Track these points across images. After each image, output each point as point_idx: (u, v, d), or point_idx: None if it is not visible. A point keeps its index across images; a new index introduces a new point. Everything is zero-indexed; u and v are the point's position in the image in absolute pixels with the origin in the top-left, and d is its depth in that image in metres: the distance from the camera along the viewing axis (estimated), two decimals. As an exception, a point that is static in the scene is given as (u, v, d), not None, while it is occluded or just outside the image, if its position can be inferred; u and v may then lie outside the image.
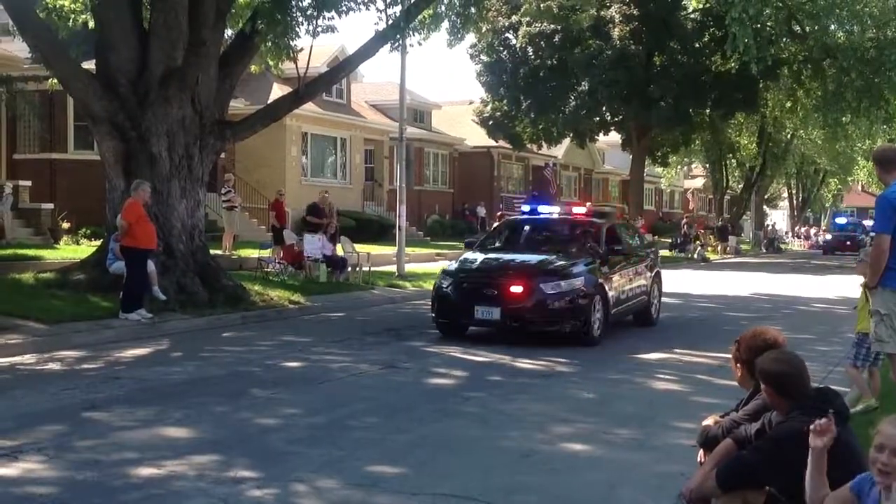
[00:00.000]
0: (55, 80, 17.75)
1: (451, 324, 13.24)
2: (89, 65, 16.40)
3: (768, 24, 30.75)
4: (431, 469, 6.54)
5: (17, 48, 23.29)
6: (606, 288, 13.13)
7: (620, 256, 14.23)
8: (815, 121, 42.66)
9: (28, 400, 8.60)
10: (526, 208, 16.46)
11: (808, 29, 33.11)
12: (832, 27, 33.05)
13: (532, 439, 7.44)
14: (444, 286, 13.09)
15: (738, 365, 4.96)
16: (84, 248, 20.49)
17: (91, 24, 17.00)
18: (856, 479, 3.80)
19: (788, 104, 42.67)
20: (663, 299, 16.48)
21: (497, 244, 15.05)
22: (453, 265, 13.84)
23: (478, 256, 13.95)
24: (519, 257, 13.79)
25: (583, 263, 13.11)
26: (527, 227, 15.60)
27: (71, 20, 17.78)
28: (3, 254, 18.13)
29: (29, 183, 23.65)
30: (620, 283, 13.91)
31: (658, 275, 15.91)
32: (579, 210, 16.02)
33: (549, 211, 16.05)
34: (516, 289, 12.46)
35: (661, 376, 10.56)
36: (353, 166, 37.77)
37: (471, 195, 46.39)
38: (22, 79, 22.72)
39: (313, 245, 20.27)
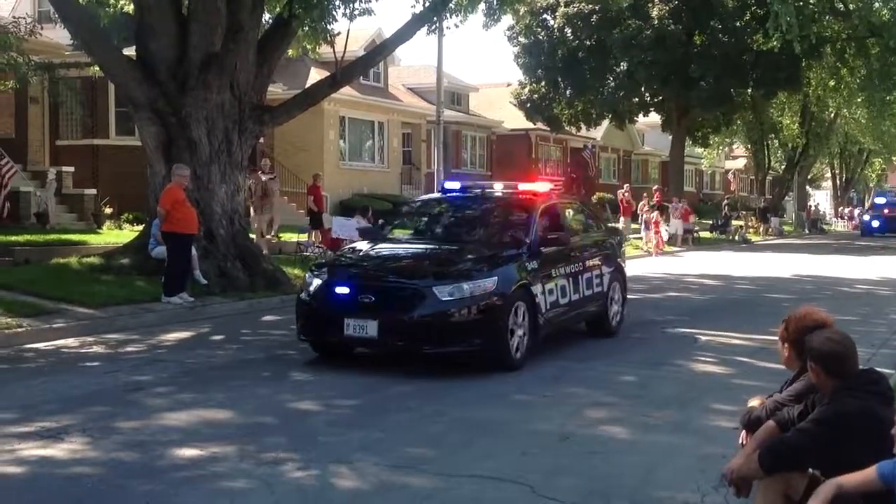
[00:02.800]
0: (97, 67, 17.94)
1: (319, 342, 10.03)
2: (130, 51, 16.56)
3: (811, 1, 30.26)
4: (470, 451, 6.55)
5: (60, 35, 23.57)
6: (535, 290, 10.01)
7: (561, 247, 10.93)
8: (860, 100, 41.97)
9: (73, 382, 8.73)
10: (452, 185, 12.55)
11: (851, 6, 32.54)
12: (876, 4, 32.46)
13: (570, 422, 7.42)
14: (309, 289, 9.90)
15: (786, 345, 4.90)
16: (126, 233, 20.75)
17: (131, 10, 17.15)
18: (885, 464, 3.76)
19: (832, 83, 41.97)
20: (706, 281, 16.00)
21: (403, 229, 12.25)
22: (337, 260, 11.00)
23: (362, 248, 11.08)
24: (414, 250, 10.75)
25: (500, 259, 9.99)
26: (441, 211, 12.29)
27: (111, 7, 17.95)
28: (47, 239, 18.40)
29: (72, 169, 23.96)
30: (560, 283, 10.66)
31: (620, 270, 12.60)
32: (532, 187, 12.21)
33: (475, 188, 12.49)
34: (402, 295, 9.33)
35: (702, 358, 10.47)
36: (390, 150, 37.79)
37: (509, 178, 46.14)
38: (64, 66, 23.00)
39: (343, 227, 20.11)
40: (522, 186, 12.13)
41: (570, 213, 12.61)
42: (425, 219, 12.31)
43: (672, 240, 33.21)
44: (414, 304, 9.22)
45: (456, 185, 12.48)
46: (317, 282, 9.82)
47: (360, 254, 10.72)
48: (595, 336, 11.75)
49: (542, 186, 12.22)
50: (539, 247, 10.45)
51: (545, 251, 10.51)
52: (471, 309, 9.27)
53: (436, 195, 13.40)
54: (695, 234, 35.96)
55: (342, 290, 9.52)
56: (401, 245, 11.12)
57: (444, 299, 9.19)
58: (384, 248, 10.87)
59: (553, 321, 10.51)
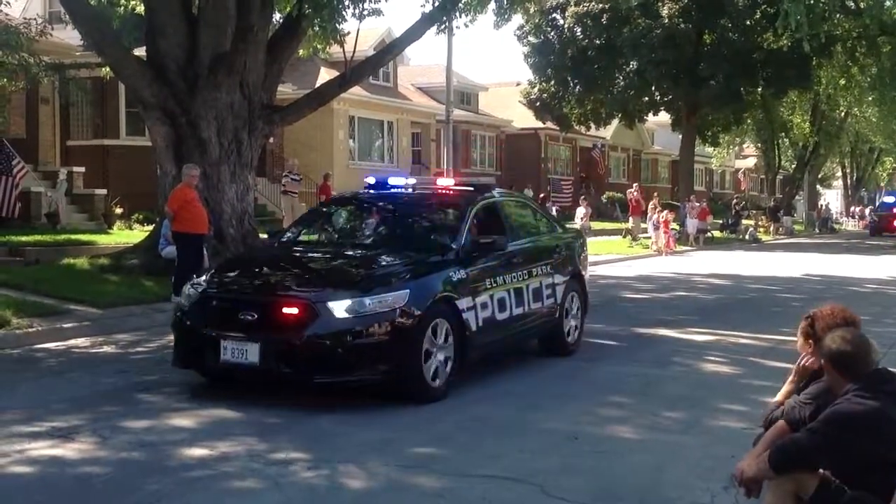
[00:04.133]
0: (107, 68, 18.00)
1: (198, 370, 8.37)
2: (140, 52, 16.61)
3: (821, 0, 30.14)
4: (479, 451, 6.55)
5: (70, 36, 23.65)
6: (463, 304, 8.44)
7: (499, 252, 9.28)
8: (871, 98, 41.83)
9: (83, 382, 8.77)
10: (371, 180, 10.84)
11: (862, 5, 32.40)
12: (888, 3, 32.34)
13: (580, 422, 7.41)
14: (186, 303, 8.36)
15: (810, 341, 4.87)
16: (137, 233, 20.81)
17: (141, 10, 17.21)
18: None
19: (842, 81, 41.85)
20: (716, 281, 15.83)
21: (309, 234, 10.35)
22: (220, 269, 9.20)
23: (258, 253, 9.93)
24: (316, 255, 9.39)
25: (416, 267, 8.40)
26: (360, 211, 10.65)
27: (121, 7, 18.01)
28: (57, 239, 18.46)
29: (82, 169, 24.05)
30: (498, 296, 9.07)
31: (578, 278, 10.92)
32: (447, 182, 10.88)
33: (403, 184, 10.69)
34: (289, 310, 7.73)
35: (710, 358, 10.44)
36: (400, 149, 37.82)
37: (518, 177, 46.24)
38: (75, 66, 23.07)
39: None
40: (446, 182, 10.79)
41: (515, 212, 10.65)
42: (341, 219, 10.61)
43: (685, 238, 33.23)
44: (304, 322, 7.61)
45: (383, 180, 10.79)
46: (195, 294, 8.26)
47: (252, 260, 9.32)
48: (549, 355, 10.24)
49: (480, 182, 10.72)
50: (470, 252, 8.87)
51: (477, 257, 8.93)
52: (375, 328, 7.67)
53: (358, 192, 11.64)
54: (708, 234, 35.98)
55: (222, 304, 8.02)
56: (303, 250, 9.64)
57: (340, 316, 7.61)
58: (282, 253, 9.48)
59: (488, 340, 8.90)
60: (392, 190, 10.51)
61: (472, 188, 10.36)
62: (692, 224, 33.88)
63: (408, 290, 7.94)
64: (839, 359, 4.34)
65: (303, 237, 10.12)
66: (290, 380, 7.87)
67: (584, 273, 11.27)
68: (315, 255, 9.41)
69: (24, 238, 17.90)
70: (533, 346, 10.43)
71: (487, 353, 9.16)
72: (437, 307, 8.19)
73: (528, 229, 10.63)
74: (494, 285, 9.07)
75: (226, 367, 7.83)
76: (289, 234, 10.23)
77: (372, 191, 10.64)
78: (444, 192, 10.42)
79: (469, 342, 8.50)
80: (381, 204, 10.32)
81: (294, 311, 7.71)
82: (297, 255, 9.45)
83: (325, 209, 11.45)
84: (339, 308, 7.65)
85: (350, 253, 9.20)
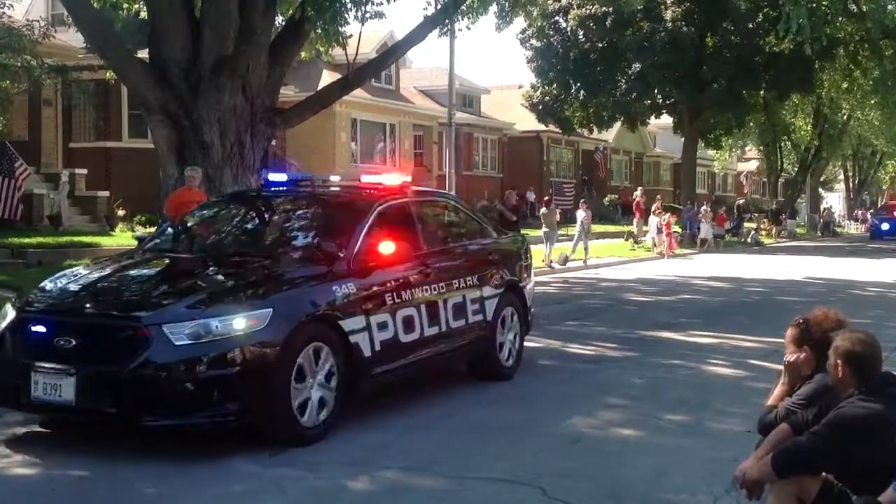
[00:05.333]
0: (110, 70, 18.02)
1: (12, 404, 6.76)
2: (143, 54, 16.62)
3: (823, 3, 30.16)
4: (481, 454, 6.54)
5: (73, 38, 23.66)
6: (350, 325, 7.02)
7: (407, 263, 7.89)
8: (873, 101, 41.83)
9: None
10: (278, 177, 9.40)
11: (864, 8, 32.42)
12: (890, 6, 32.36)
13: (582, 425, 7.42)
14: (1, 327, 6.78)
15: (805, 346, 4.88)
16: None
17: (144, 13, 17.22)
18: None
19: (845, 85, 41.86)
20: (718, 284, 15.75)
21: (179, 239, 8.67)
22: (48, 284, 7.38)
23: (102, 265, 7.97)
24: (165, 268, 7.91)
25: (286, 281, 7.01)
26: (244, 212, 9.08)
27: (124, 10, 18.03)
28: (60, 241, 18.48)
29: (85, 171, 24.08)
30: (403, 314, 7.63)
31: (516, 291, 9.53)
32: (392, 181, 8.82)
33: (309, 182, 9.40)
34: (114, 336, 6.40)
35: (713, 361, 10.44)
36: (402, 152, 37.84)
37: (520, 180, 46.26)
38: (77, 68, 23.11)
39: None
40: (366, 179, 9.33)
41: (434, 215, 9.28)
42: (224, 221, 8.93)
43: (700, 243, 33.82)
44: (133, 349, 6.18)
45: (282, 176, 9.44)
46: (11, 315, 6.78)
47: (86, 274, 7.51)
48: (482, 379, 8.96)
49: (391, 179, 8.83)
50: (365, 262, 7.38)
51: (375, 268, 7.46)
52: (225, 357, 6.23)
53: (247, 190, 10.34)
54: (725, 238, 36.19)
55: (37, 327, 6.52)
56: (161, 258, 8.14)
57: (180, 343, 6.15)
58: (133, 263, 7.90)
59: (390, 367, 7.47)
60: (289, 188, 9.03)
61: (377, 188, 8.71)
62: (707, 229, 34.31)
63: (270, 309, 6.46)
64: (856, 359, 4.35)
65: (168, 243, 8.59)
66: (114, 423, 6.42)
67: (525, 284, 9.86)
68: (172, 265, 7.92)
69: (25, 240, 17.91)
70: (461, 369, 9.08)
71: (393, 381, 7.78)
72: (313, 329, 6.78)
73: (451, 234, 9.24)
74: (399, 301, 7.60)
75: (37, 404, 6.36)
76: (156, 240, 8.77)
77: (271, 189, 9.14)
78: (345, 192, 8.95)
79: (360, 370, 7.08)
80: (272, 203, 8.85)
81: (120, 335, 6.32)
82: (149, 265, 7.90)
83: (209, 210, 9.37)
84: (178, 332, 6.16)
85: (212, 263, 7.63)
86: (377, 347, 7.28)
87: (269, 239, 8.29)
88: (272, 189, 9.14)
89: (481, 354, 8.94)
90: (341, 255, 7.41)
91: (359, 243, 7.52)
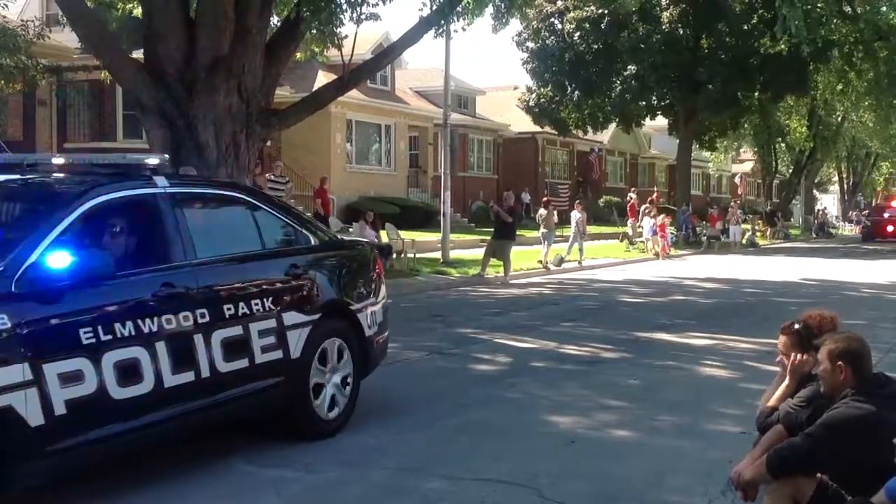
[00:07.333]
0: (105, 70, 18.02)
1: None
2: (138, 54, 16.61)
3: (818, 4, 30.22)
4: (478, 455, 6.55)
5: (68, 38, 23.65)
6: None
7: (148, 282, 5.74)
8: (867, 103, 41.93)
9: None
10: None
11: (859, 10, 32.50)
12: (884, 8, 32.43)
13: (578, 426, 7.42)
14: None
15: (801, 349, 4.90)
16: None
17: (139, 13, 17.21)
18: (893, 483, 3.81)
19: (839, 86, 41.91)
20: (713, 285, 15.75)
21: None
22: None
23: None
24: None
25: None
26: None
27: (119, 10, 18.02)
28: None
29: (80, 171, 24.02)
30: (118, 357, 5.35)
31: (346, 316, 7.25)
32: None
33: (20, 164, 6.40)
34: None
35: (708, 362, 10.45)
36: (397, 153, 37.85)
37: (515, 182, 46.29)
38: (72, 69, 23.10)
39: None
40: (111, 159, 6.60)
41: (203, 213, 6.72)
42: None
43: (733, 245, 35.44)
44: None
45: None
46: None
47: None
48: (291, 436, 6.78)
49: (133, 160, 6.47)
50: (49, 281, 5.10)
51: (65, 290, 5.18)
52: None
53: None
54: (720, 239, 36.62)
55: None
56: None
57: None
58: None
59: (83, 438, 5.18)
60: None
61: (98, 174, 6.27)
62: (734, 231, 36.38)
63: None
64: (857, 357, 4.38)
65: None
66: None
67: (363, 307, 7.42)
68: None
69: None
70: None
71: (102, 460, 5.54)
72: None
73: (235, 241, 6.76)
74: (113, 338, 5.33)
75: None
76: None
77: None
78: (47, 180, 6.26)
79: (22, 446, 4.84)
80: None
81: None
82: None
83: None
84: None
85: None
86: (60, 411, 4.98)
87: None
88: None
89: (283, 405, 6.62)
90: None
91: (37, 253, 5.14)
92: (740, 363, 10.37)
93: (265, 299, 6.44)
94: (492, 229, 21.52)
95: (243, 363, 6.19)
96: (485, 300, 17.06)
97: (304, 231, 7.36)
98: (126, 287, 5.59)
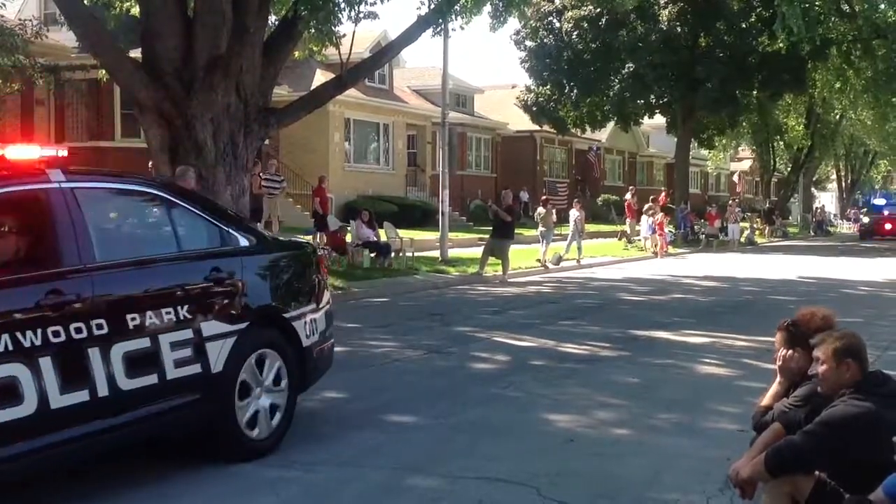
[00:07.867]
0: (103, 70, 18.01)
1: None
2: (136, 53, 16.59)
3: (817, 3, 30.22)
4: (476, 453, 6.55)
5: (66, 38, 23.63)
6: None
7: (30, 288, 5.02)
8: (865, 101, 41.95)
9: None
10: None
11: (857, 8, 32.51)
12: (882, 6, 32.44)
13: (576, 424, 7.42)
14: None
15: (797, 348, 4.90)
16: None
17: (137, 12, 17.20)
18: (890, 481, 3.80)
19: (837, 84, 41.93)
20: (711, 283, 15.74)
21: None
22: None
23: None
24: None
25: None
26: None
27: (117, 8, 18.00)
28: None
29: (77, 171, 24.00)
30: None
31: (279, 324, 6.56)
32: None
33: None
34: None
35: (706, 360, 10.45)
36: (395, 152, 37.84)
37: (514, 180, 46.26)
38: (70, 68, 23.07)
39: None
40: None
41: (107, 210, 6.17)
42: None
43: (731, 243, 35.53)
44: None
45: None
46: None
47: None
48: (218, 459, 6.15)
49: (18, 153, 5.48)
50: None
51: None
52: None
53: None
54: (718, 237, 36.63)
55: None
56: None
57: None
58: None
59: None
60: None
61: None
62: (732, 229, 36.24)
63: None
64: (854, 350, 4.39)
65: None
66: None
67: (301, 314, 6.75)
68: None
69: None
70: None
71: None
72: None
73: (146, 242, 6.33)
74: None
75: None
76: None
77: None
78: None
79: None
80: None
81: None
82: None
83: None
84: None
85: None
86: None
87: None
88: None
89: (203, 424, 5.98)
90: None
91: None
92: (738, 361, 10.38)
93: (179, 307, 5.70)
94: (490, 228, 21.51)
95: (151, 379, 5.48)
96: (483, 299, 17.06)
97: (231, 231, 6.55)
98: (2, 296, 4.83)
